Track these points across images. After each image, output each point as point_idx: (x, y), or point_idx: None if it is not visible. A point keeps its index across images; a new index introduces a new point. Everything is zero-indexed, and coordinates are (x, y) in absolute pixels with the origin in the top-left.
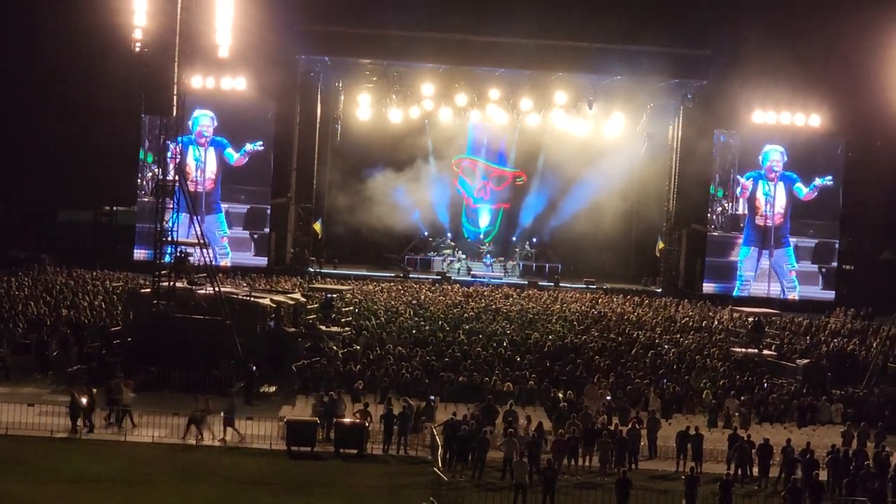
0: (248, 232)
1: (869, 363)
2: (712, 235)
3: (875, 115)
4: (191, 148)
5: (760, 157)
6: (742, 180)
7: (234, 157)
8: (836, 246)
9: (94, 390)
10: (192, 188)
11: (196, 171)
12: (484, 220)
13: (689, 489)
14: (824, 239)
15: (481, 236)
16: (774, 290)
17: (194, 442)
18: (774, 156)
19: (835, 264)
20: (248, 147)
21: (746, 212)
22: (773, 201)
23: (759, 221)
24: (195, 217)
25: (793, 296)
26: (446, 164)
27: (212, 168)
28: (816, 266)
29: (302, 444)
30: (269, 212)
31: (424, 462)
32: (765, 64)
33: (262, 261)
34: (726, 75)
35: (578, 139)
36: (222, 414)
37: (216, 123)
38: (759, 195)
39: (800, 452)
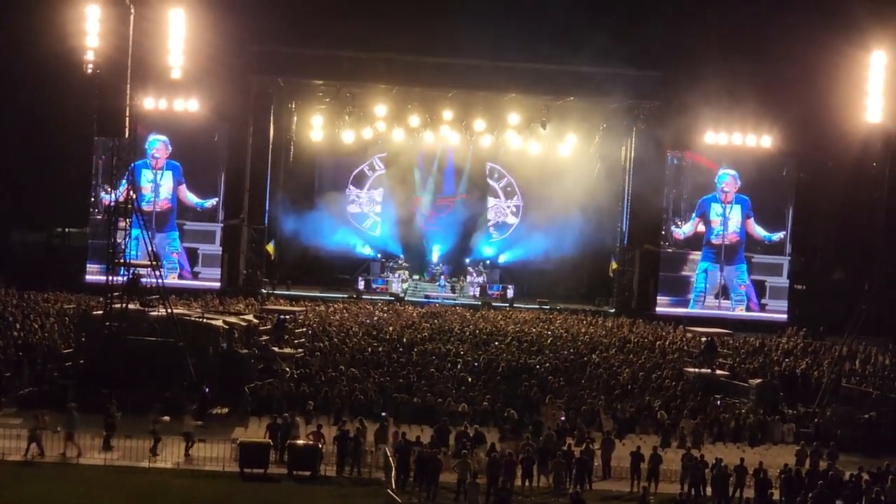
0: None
1: (821, 383)
2: (666, 252)
3: (826, 136)
4: (144, 171)
5: (715, 180)
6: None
7: (194, 199)
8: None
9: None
10: (145, 209)
11: (151, 192)
12: (434, 255)
13: None
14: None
15: (434, 263)
16: (725, 304)
17: (34, 458)
18: (728, 179)
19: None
20: (206, 203)
21: (703, 230)
22: (728, 222)
23: (715, 241)
24: (145, 233)
25: (740, 308)
26: (398, 184)
27: (167, 188)
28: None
29: (255, 466)
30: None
31: (377, 484)
32: (717, 85)
33: (214, 273)
34: (679, 97)
35: (532, 160)
36: (62, 429)
37: (171, 149)
38: (714, 216)
39: (753, 472)
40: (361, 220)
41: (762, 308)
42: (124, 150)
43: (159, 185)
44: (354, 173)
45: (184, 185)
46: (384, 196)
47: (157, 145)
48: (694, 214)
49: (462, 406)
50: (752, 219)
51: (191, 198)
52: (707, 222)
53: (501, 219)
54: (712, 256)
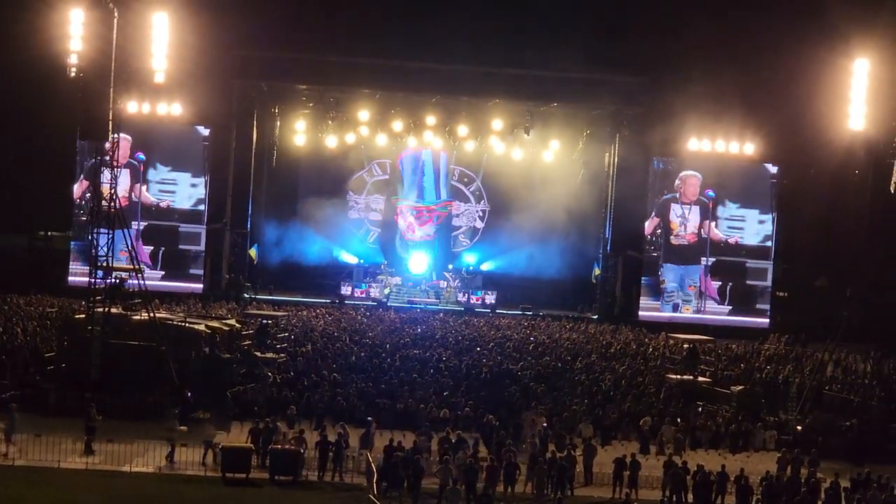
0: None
1: (803, 390)
2: (651, 256)
3: (809, 143)
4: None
5: (677, 182)
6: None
7: (151, 198)
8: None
9: None
10: (106, 207)
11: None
12: (420, 267)
13: None
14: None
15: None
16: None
17: None
18: (690, 181)
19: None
20: (163, 203)
21: (660, 229)
22: (687, 223)
23: (674, 241)
24: (127, 233)
25: (686, 308)
26: (383, 186)
27: (124, 186)
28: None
29: (237, 470)
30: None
31: (359, 489)
32: (701, 92)
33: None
34: (663, 103)
35: (515, 166)
36: (1, 427)
37: (131, 146)
38: (674, 217)
39: (734, 479)
40: (358, 227)
41: (755, 312)
42: (107, 153)
43: (117, 183)
44: (353, 178)
45: (140, 183)
46: (378, 203)
47: (120, 143)
48: (652, 213)
49: (444, 412)
50: (711, 221)
51: (148, 196)
52: (666, 222)
53: (471, 224)
54: (671, 258)
